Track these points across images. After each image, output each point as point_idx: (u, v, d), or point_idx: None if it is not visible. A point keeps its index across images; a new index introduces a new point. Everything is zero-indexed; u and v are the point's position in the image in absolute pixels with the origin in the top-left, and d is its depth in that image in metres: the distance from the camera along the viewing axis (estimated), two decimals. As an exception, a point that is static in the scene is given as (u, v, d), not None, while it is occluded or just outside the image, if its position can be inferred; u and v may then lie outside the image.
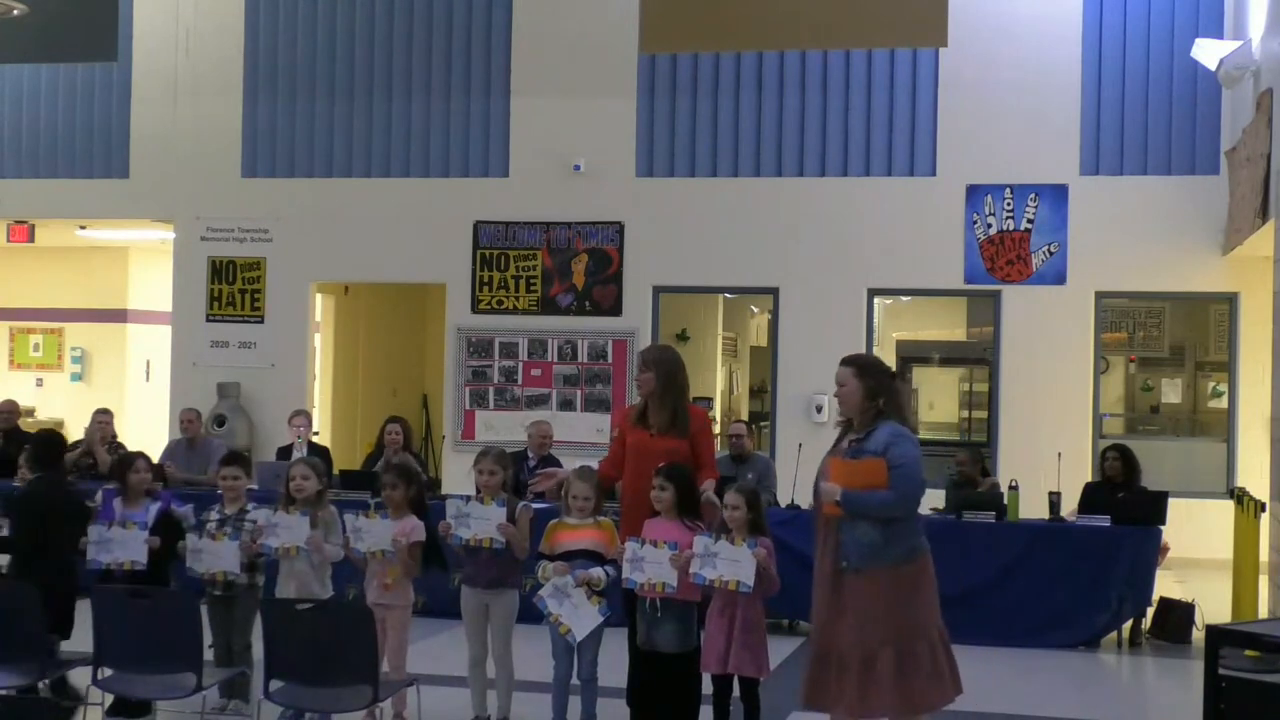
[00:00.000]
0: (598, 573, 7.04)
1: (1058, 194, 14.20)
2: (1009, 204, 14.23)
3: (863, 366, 6.42)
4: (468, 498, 7.33)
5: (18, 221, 16.79)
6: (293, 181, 15.65)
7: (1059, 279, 14.18)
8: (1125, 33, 14.17)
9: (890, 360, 16.30)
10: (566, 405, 14.87)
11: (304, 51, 15.67)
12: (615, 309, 14.92)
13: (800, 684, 6.46)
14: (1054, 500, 10.79)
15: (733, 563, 6.50)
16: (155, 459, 9.95)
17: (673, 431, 7.28)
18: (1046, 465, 11.82)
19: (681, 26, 12.74)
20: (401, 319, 18.28)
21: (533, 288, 15.09)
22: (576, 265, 15.00)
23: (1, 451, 12.20)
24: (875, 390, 6.31)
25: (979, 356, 15.45)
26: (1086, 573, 10.26)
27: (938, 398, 17.01)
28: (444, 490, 12.49)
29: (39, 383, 19.40)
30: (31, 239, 17.05)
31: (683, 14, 12.62)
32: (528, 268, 15.10)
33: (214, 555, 7.25)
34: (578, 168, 14.90)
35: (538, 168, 15.09)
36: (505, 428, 14.55)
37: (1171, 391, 15.94)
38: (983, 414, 15.21)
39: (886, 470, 6.15)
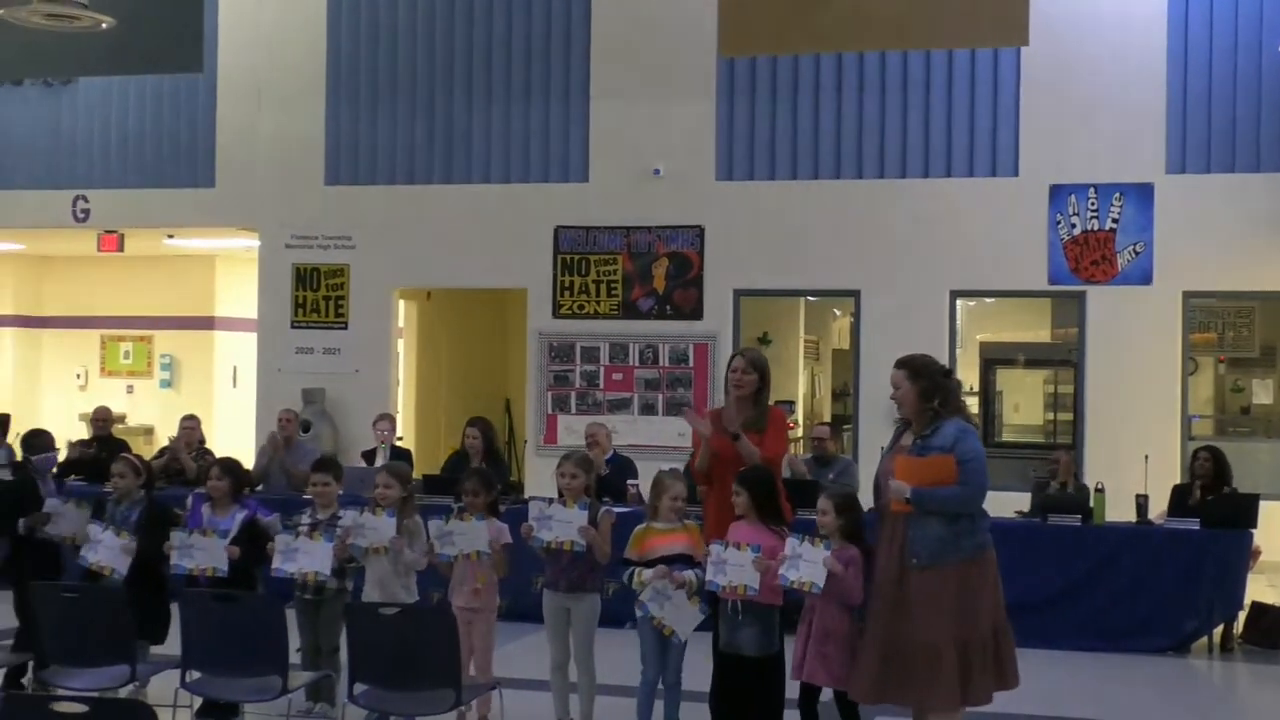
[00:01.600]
0: (690, 575, 7.02)
1: (1143, 193, 13.99)
2: (1093, 204, 14.04)
3: (915, 369, 6.52)
4: (550, 500, 7.37)
5: (108, 231, 17.05)
6: (375, 189, 15.79)
7: (1145, 279, 13.97)
8: (1211, 27, 13.91)
9: (974, 362, 16.20)
10: (648, 409, 14.87)
11: (385, 59, 15.80)
12: (696, 313, 14.91)
13: (857, 680, 6.45)
14: (1141, 503, 10.66)
15: (810, 563, 6.49)
16: (248, 465, 10.06)
17: (754, 428, 7.34)
18: (1134, 468, 11.64)
19: (760, 29, 12.68)
20: (483, 324, 18.36)
21: (614, 292, 15.12)
22: (657, 269, 15.00)
23: (93, 457, 12.43)
24: (929, 391, 6.43)
25: (1064, 358, 15.26)
26: (1175, 577, 10.13)
27: (1023, 400, 16.81)
28: (526, 495, 12.53)
29: (129, 389, 19.72)
30: (121, 248, 17.30)
31: (762, 16, 12.56)
32: (608, 272, 15.12)
33: (308, 555, 7.33)
34: (658, 172, 14.90)
35: (618, 172, 15.11)
36: (587, 432, 14.56)
37: (1263, 392, 15.67)
38: (1068, 416, 15.01)
39: (955, 466, 6.23)
